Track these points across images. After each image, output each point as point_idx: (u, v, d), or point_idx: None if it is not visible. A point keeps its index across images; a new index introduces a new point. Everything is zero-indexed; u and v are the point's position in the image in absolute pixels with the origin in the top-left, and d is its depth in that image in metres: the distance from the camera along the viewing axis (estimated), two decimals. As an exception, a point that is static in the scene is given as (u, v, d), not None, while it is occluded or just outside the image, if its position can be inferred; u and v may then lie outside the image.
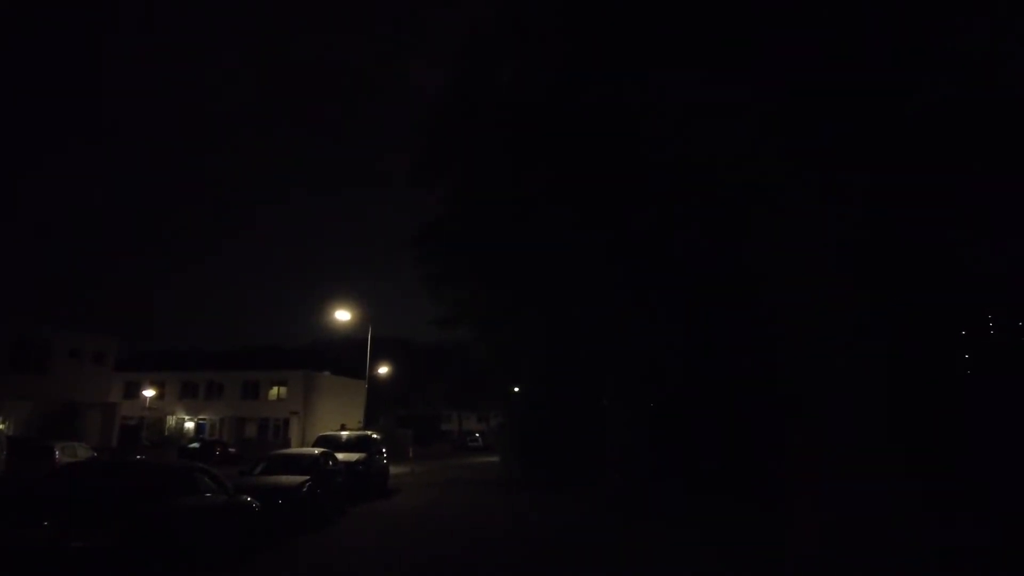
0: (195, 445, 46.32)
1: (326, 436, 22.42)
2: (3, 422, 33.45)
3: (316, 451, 16.18)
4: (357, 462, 19.77)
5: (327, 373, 58.91)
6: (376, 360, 55.64)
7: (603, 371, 17.91)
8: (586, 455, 19.87)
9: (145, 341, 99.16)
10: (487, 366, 27.85)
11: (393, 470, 36.20)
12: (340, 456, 19.78)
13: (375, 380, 72.88)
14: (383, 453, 24.57)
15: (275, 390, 56.69)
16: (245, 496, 11.09)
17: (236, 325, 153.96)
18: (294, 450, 20.06)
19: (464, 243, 16.61)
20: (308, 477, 14.16)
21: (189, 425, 57.30)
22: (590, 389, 20.05)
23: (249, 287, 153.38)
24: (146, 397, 51.26)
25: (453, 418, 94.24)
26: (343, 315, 29.01)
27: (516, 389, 27.05)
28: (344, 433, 22.79)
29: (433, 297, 19.27)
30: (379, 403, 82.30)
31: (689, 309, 14.61)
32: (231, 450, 45.63)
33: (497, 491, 22.11)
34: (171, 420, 56.88)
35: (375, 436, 24.48)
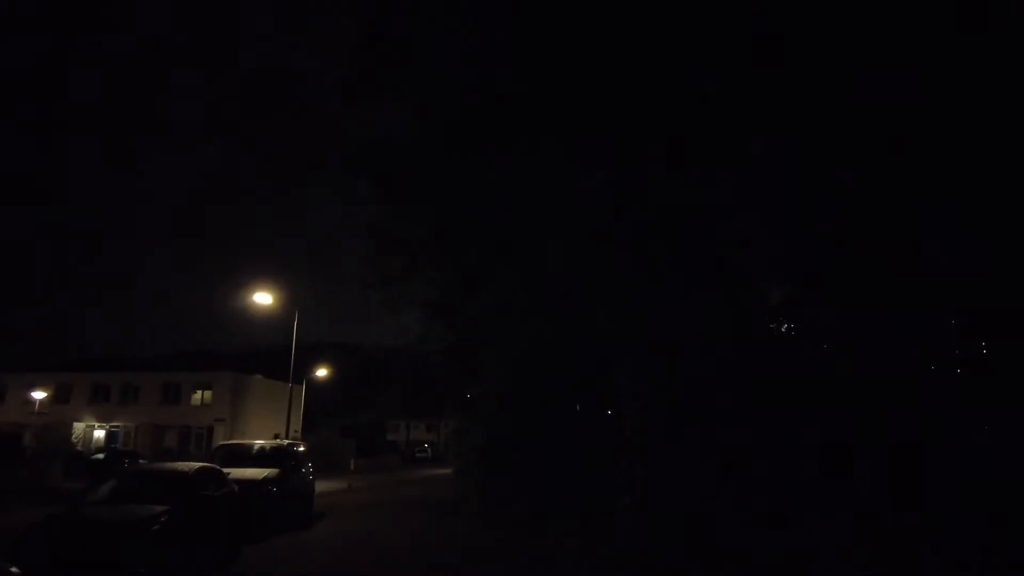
0: (99, 456, 40.02)
1: (230, 446, 17.39)
2: None
3: (192, 467, 11.22)
4: (266, 481, 14.87)
5: (259, 376, 52.96)
6: (319, 365, 50.17)
7: (612, 357, 13.40)
8: (582, 474, 15.24)
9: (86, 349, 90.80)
10: (443, 358, 22.96)
11: (328, 486, 31.07)
12: (244, 473, 14.96)
13: (317, 386, 67.15)
14: (308, 468, 19.58)
15: (199, 394, 50.41)
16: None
17: (179, 333, 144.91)
18: (159, 466, 14.94)
19: (420, 168, 12.03)
20: (165, 509, 9.23)
21: (99, 433, 50.43)
22: (589, 383, 15.47)
23: (193, 293, 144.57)
24: (35, 400, 44.31)
25: (401, 428, 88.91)
26: (263, 298, 23.92)
27: (475, 394, 22.23)
28: (258, 443, 17.76)
29: (377, 245, 14.48)
30: (322, 411, 76.55)
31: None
32: (142, 461, 39.43)
33: (454, 520, 17.39)
34: (78, 427, 49.93)
35: (299, 447, 19.47)
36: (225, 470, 15.19)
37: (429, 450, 71.81)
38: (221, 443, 17.54)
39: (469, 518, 17.55)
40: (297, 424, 47.70)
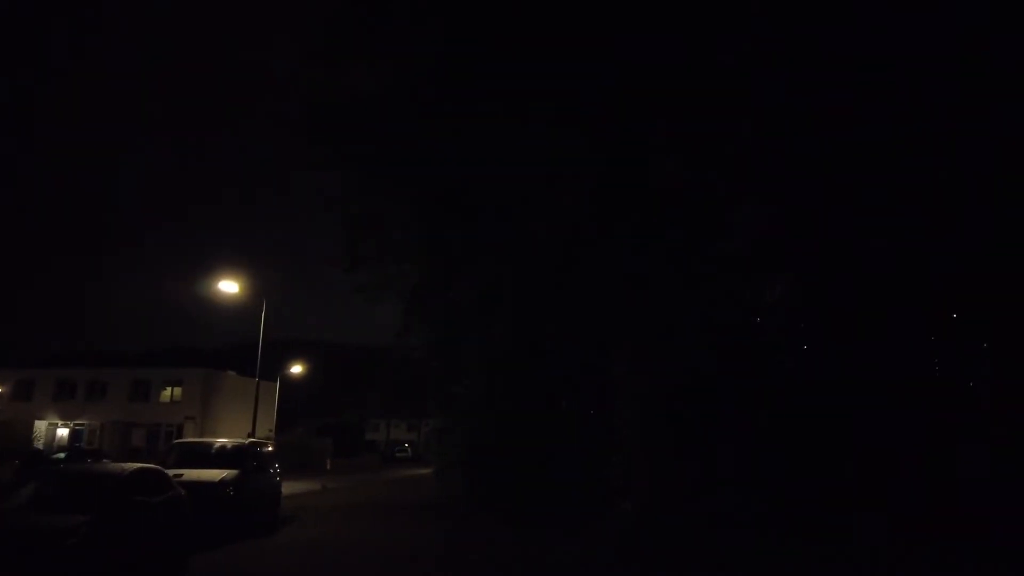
0: (60, 455, 38.07)
1: (186, 445, 15.84)
2: None
3: (125, 469, 9.72)
4: (223, 483, 13.41)
5: (231, 373, 51.01)
6: (295, 362, 48.46)
7: (607, 352, 12.08)
8: (572, 475, 13.87)
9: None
10: (424, 354, 21.52)
11: (300, 487, 29.48)
12: (199, 474, 13.52)
13: (295, 385, 65.25)
14: (275, 469, 18.08)
15: (169, 391, 48.35)
16: None
17: (151, 330, 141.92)
18: (86, 467, 13.35)
19: (393, 136, 10.61)
20: (86, 520, 7.75)
21: (63, 432, 48.23)
22: (581, 379, 14.14)
23: (165, 289, 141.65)
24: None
25: (381, 427, 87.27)
26: (229, 286, 22.34)
27: (458, 391, 20.77)
28: (218, 441, 16.23)
29: (348, 222, 13.01)
30: (300, 410, 74.66)
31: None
32: (105, 461, 37.47)
33: (435, 523, 15.98)
34: (40, 426, 47.73)
35: (265, 446, 17.96)
36: (179, 471, 13.78)
37: (409, 450, 70.44)
38: (176, 441, 16.05)
39: (451, 521, 16.21)
40: (271, 422, 45.98)
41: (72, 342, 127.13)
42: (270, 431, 45.46)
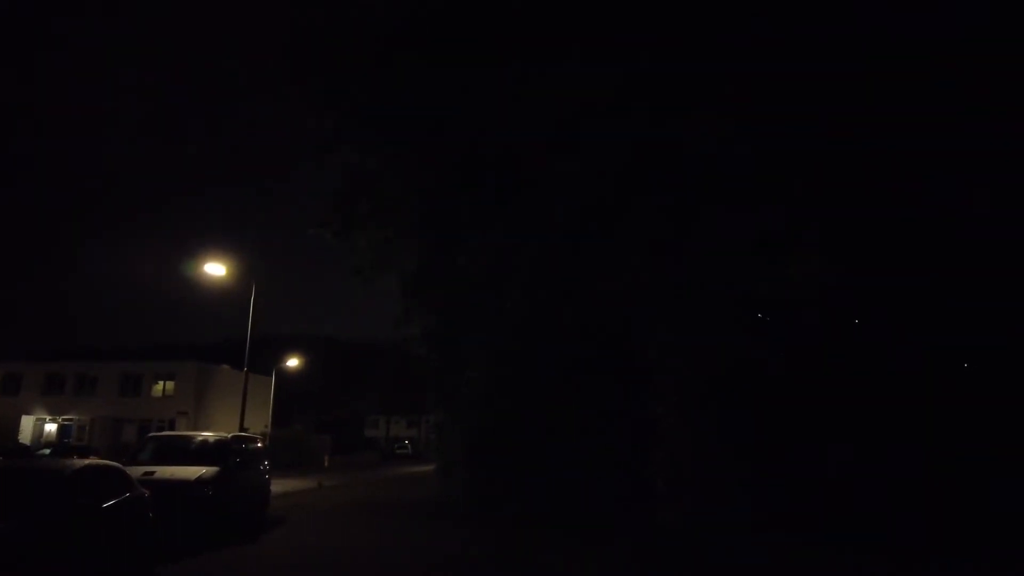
0: (45, 451, 36.59)
1: (161, 439, 14.23)
2: None
3: (71, 466, 8.14)
4: (200, 482, 11.87)
5: (225, 367, 49.39)
6: (292, 356, 46.88)
7: (640, 325, 10.50)
8: (592, 473, 12.26)
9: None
10: (424, 342, 19.93)
11: (294, 485, 27.93)
12: (173, 472, 12.03)
13: (293, 380, 63.63)
14: (264, 466, 16.54)
15: (160, 385, 46.76)
16: None
17: (145, 326, 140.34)
18: (21, 463, 11.62)
19: (389, 76, 9.00)
20: (5, 528, 6.18)
21: (51, 427, 46.65)
22: (601, 365, 12.47)
23: (159, 284, 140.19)
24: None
25: (380, 423, 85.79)
26: (216, 269, 20.78)
27: (460, 381, 19.09)
28: (199, 435, 14.66)
29: (341, 182, 11.40)
30: (298, 405, 73.12)
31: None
32: (92, 457, 35.90)
33: (438, 527, 14.44)
34: (27, 421, 46.15)
35: (253, 441, 16.40)
36: (151, 468, 12.28)
37: (409, 446, 69.05)
38: (150, 435, 14.47)
39: (454, 523, 14.68)
40: (267, 418, 44.41)
41: (62, 338, 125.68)
42: (266, 427, 43.92)
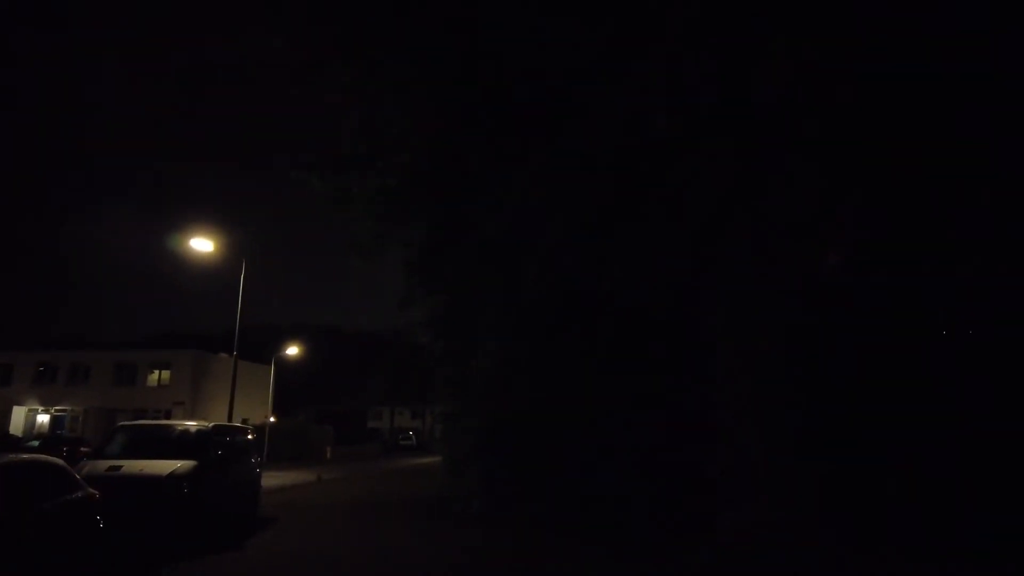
0: (34, 443, 35.05)
1: (132, 429, 12.53)
2: None
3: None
4: (174, 479, 10.24)
5: (223, 355, 47.72)
6: (292, 344, 45.30)
7: (698, 291, 8.69)
8: (631, 471, 10.44)
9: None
10: (430, 331, 18.21)
11: (295, 478, 26.38)
12: (142, 467, 10.45)
13: (296, 370, 62.13)
14: (255, 460, 14.94)
15: (156, 375, 45.22)
16: None
17: (144, 316, 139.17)
18: None
19: None
20: None
21: (43, 418, 45.19)
22: (649, 335, 10.61)
23: (160, 273, 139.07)
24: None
25: (384, 415, 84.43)
26: (203, 244, 19.15)
27: (472, 364, 17.26)
28: (178, 425, 12.98)
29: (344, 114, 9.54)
30: (300, 396, 71.70)
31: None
32: (84, 449, 34.39)
33: (449, 531, 12.79)
34: (19, 411, 44.67)
35: (239, 433, 14.74)
36: (117, 463, 10.67)
37: (414, 438, 67.65)
38: (120, 424, 12.80)
39: (463, 526, 13.05)
40: (267, 408, 42.92)
41: (55, 328, 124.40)
42: (266, 417, 42.43)
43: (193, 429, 12.13)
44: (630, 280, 9.41)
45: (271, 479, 24.64)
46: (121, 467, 10.41)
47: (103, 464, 10.65)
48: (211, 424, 12.41)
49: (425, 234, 13.02)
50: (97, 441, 38.56)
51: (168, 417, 41.96)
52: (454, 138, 9.11)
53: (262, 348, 46.19)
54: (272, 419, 46.91)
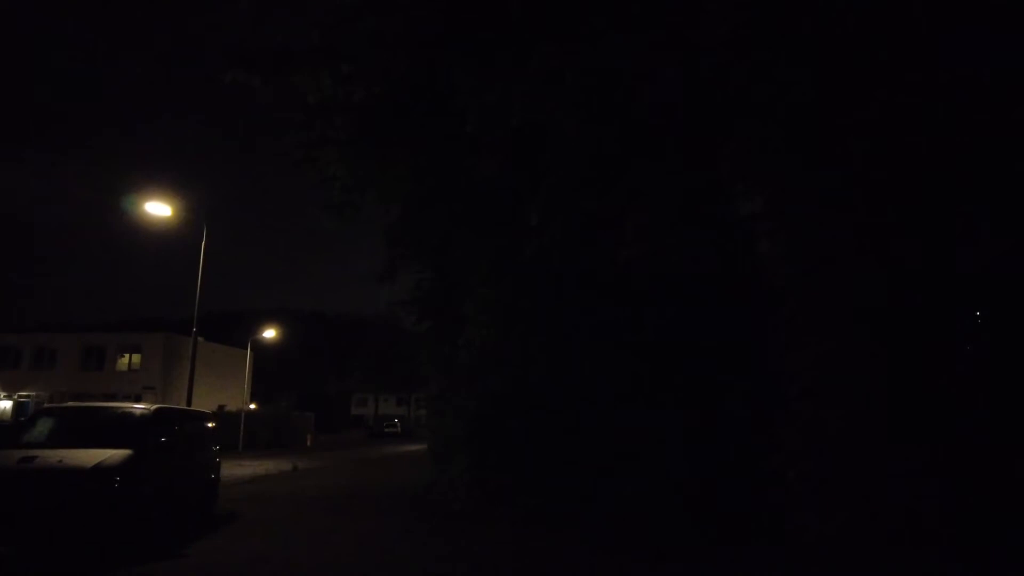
0: (-8, 431, 32.93)
1: (59, 412, 10.64)
2: None
3: None
4: (101, 471, 8.37)
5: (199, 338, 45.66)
6: (282, 333, 43.33)
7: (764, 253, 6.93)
8: (654, 459, 8.62)
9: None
10: (416, 308, 16.36)
11: (268, 466, 24.49)
12: (64, 457, 8.64)
13: (275, 355, 60.01)
14: (213, 449, 13.07)
15: (126, 358, 43.05)
16: None
17: (114, 302, 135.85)
18: None
19: None
20: None
21: (5, 404, 42.89)
22: (685, 288, 8.69)
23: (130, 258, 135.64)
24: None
25: (369, 401, 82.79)
26: (159, 208, 17.13)
27: (462, 341, 15.34)
28: (112, 407, 11.12)
29: None
30: (281, 381, 69.70)
31: None
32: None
33: (438, 531, 11.03)
34: (-21, 398, 42.41)
35: (192, 418, 12.80)
36: (33, 453, 8.82)
37: (399, 424, 66.10)
38: (46, 406, 10.87)
39: (455, 522, 11.34)
40: (243, 394, 40.97)
41: (20, 314, 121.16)
42: (244, 404, 40.51)
43: (132, 412, 10.25)
44: (652, 231, 7.64)
45: (242, 468, 22.81)
46: (36, 457, 8.53)
47: (16, 455, 8.75)
48: (154, 407, 10.52)
49: (409, 187, 11.15)
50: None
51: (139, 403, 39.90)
52: (433, 47, 7.26)
53: (244, 334, 44.14)
54: (252, 406, 45.02)
